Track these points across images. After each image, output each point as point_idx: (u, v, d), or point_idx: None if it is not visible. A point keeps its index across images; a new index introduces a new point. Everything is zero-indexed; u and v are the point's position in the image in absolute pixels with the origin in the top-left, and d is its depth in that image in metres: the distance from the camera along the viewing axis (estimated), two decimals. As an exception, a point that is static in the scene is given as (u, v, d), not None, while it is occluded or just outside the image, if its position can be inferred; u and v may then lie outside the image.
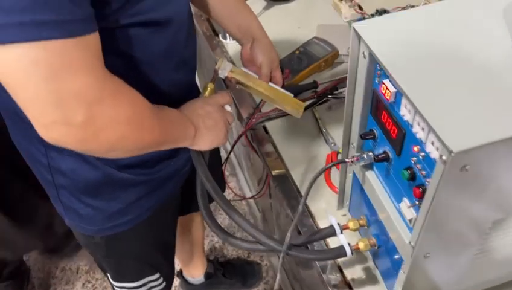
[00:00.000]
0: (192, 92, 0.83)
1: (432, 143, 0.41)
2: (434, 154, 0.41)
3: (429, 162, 0.43)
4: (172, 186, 0.88)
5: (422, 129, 0.42)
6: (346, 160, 0.58)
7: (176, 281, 1.44)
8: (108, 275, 0.98)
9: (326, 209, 0.80)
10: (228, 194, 1.63)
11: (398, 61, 0.44)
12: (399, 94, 0.46)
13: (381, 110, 0.51)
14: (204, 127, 0.72)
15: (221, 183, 1.16)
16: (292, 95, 0.87)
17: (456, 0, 0.51)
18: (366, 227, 0.66)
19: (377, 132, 0.54)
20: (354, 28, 0.48)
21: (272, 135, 0.95)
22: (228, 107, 0.80)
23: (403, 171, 0.48)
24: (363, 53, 0.49)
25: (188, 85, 0.82)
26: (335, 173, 0.85)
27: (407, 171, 0.47)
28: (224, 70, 0.81)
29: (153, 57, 0.67)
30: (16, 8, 0.43)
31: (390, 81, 0.46)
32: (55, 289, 1.60)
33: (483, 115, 0.39)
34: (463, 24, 0.48)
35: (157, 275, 1.01)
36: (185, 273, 1.43)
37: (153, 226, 0.89)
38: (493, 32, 0.46)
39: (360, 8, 1.19)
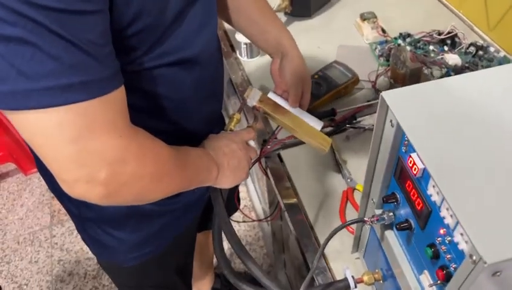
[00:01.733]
0: (219, 121, 0.81)
1: (461, 234, 0.39)
2: (463, 245, 0.39)
3: (456, 251, 0.41)
4: (195, 212, 0.87)
5: (451, 216, 0.40)
6: (365, 219, 0.56)
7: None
8: None
9: (340, 250, 0.78)
10: (239, 215, 1.62)
11: (427, 139, 0.42)
12: (427, 172, 0.43)
13: (405, 179, 0.48)
14: (228, 168, 0.71)
15: (233, 204, 1.15)
16: (319, 128, 0.84)
17: (491, 72, 0.48)
18: (381, 282, 0.64)
19: (399, 196, 0.52)
20: (382, 97, 0.45)
21: (286, 164, 0.93)
22: (251, 142, 0.79)
23: (426, 248, 0.45)
24: (391, 121, 0.47)
25: (215, 116, 0.80)
26: (351, 211, 0.83)
27: (430, 249, 0.45)
28: (253, 99, 0.79)
29: (181, 94, 0.66)
30: (40, 73, 0.42)
31: (418, 156, 0.44)
32: (62, 293, 1.61)
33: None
34: (501, 97, 0.45)
35: None
36: (194, 289, 1.43)
37: (174, 253, 0.89)
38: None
39: (383, 31, 1.15)
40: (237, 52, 1.20)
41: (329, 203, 0.85)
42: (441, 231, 0.43)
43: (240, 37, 1.14)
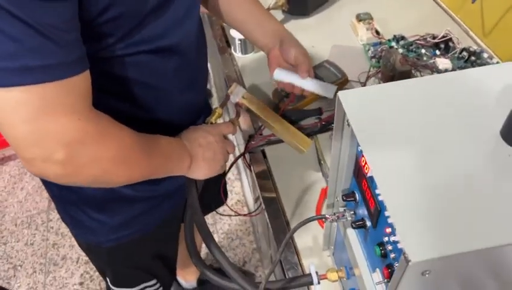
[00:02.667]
0: (203, 112, 0.82)
1: (401, 234, 0.39)
2: (401, 245, 0.40)
3: (397, 250, 0.41)
4: (177, 201, 0.89)
5: (393, 216, 0.41)
6: (327, 216, 0.57)
7: (170, 283, 1.45)
8: (107, 279, 1.00)
9: (312, 247, 0.79)
10: (223, 211, 1.63)
11: (377, 144, 0.42)
12: (376, 172, 0.44)
13: (361, 178, 0.49)
14: (202, 159, 0.72)
15: (219, 197, 1.16)
16: (332, 94, 0.84)
17: (455, 76, 0.48)
18: (345, 279, 0.65)
19: (358, 196, 0.53)
20: (338, 96, 0.46)
21: (269, 160, 0.94)
22: (230, 136, 0.80)
23: (376, 246, 0.46)
24: (347, 121, 0.47)
25: (198, 106, 0.81)
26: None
27: (379, 248, 0.46)
28: (236, 95, 0.81)
29: (157, 81, 0.67)
30: (1, 54, 0.44)
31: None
32: (54, 276, 1.64)
33: (451, 223, 0.37)
34: (454, 108, 0.46)
35: (153, 281, 1.02)
36: (178, 276, 1.45)
37: (155, 239, 0.90)
38: (484, 123, 0.44)
39: (377, 32, 1.15)
40: (232, 47, 1.21)
41: (307, 200, 0.86)
42: (387, 230, 0.44)
43: (234, 33, 1.15)
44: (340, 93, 0.46)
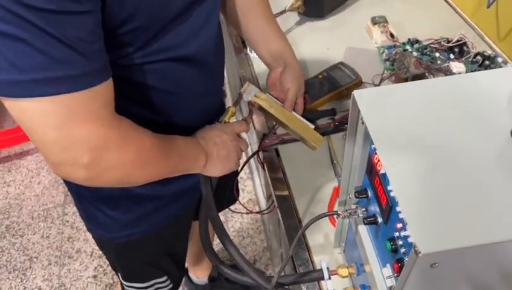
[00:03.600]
0: (219, 113, 0.85)
1: (411, 228, 0.41)
2: (411, 239, 0.41)
3: (407, 244, 0.43)
4: (189, 199, 0.91)
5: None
6: (339, 213, 0.59)
7: (182, 278, 1.48)
8: (119, 274, 1.03)
9: (324, 244, 0.81)
10: (235, 208, 1.65)
11: (390, 141, 0.44)
12: (389, 169, 0.45)
13: (374, 175, 0.51)
14: (217, 157, 0.74)
15: (231, 195, 1.18)
16: (313, 127, 0.87)
17: (468, 78, 0.50)
18: (355, 275, 0.66)
19: (370, 193, 0.54)
20: (353, 95, 0.48)
21: (283, 159, 0.95)
22: (244, 134, 0.82)
23: (387, 241, 0.48)
24: (361, 119, 0.49)
25: (214, 108, 0.84)
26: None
27: (390, 243, 0.47)
28: (249, 94, 0.83)
29: (175, 88, 0.69)
30: (29, 66, 0.47)
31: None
32: (69, 269, 1.68)
33: (460, 218, 0.38)
34: (466, 109, 0.47)
35: (164, 278, 1.05)
36: (190, 273, 1.47)
37: (165, 236, 0.93)
38: (495, 124, 0.45)
39: (392, 35, 1.17)
40: (248, 48, 1.23)
41: (319, 199, 0.88)
42: (398, 225, 0.45)
43: (251, 34, 1.17)
44: (355, 92, 0.48)
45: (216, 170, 0.76)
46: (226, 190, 1.08)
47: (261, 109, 0.84)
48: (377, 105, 0.47)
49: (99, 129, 0.54)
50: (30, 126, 0.51)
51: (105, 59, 0.54)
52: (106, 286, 1.61)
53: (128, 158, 0.59)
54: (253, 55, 1.21)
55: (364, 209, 0.57)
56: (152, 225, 0.87)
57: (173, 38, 0.62)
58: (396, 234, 0.46)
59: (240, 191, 1.80)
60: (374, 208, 0.54)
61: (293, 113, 0.85)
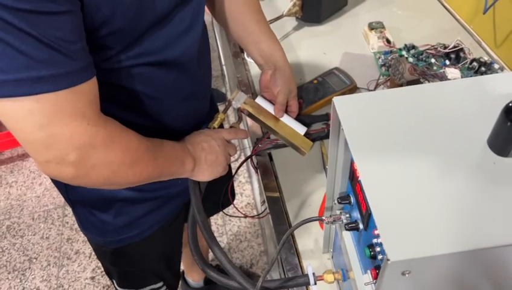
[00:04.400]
0: (208, 117, 0.85)
1: (386, 235, 0.41)
2: (383, 245, 0.41)
3: (383, 251, 0.43)
4: (180, 202, 0.91)
5: (380, 218, 0.42)
6: (324, 218, 0.59)
7: (178, 281, 1.49)
8: (114, 281, 1.03)
9: (314, 250, 0.81)
10: (233, 212, 1.65)
11: (367, 149, 0.44)
12: (367, 176, 0.46)
13: (355, 182, 0.51)
14: (205, 162, 0.74)
15: (226, 197, 1.18)
16: (303, 133, 0.87)
17: (453, 84, 0.50)
18: (341, 281, 0.66)
19: (352, 199, 0.54)
20: (333, 101, 0.48)
21: (276, 164, 0.96)
22: (232, 140, 0.83)
23: (366, 248, 0.48)
24: (341, 126, 0.49)
25: (200, 113, 0.84)
26: (329, 213, 0.85)
27: (369, 249, 0.47)
28: (238, 101, 0.84)
29: (158, 92, 0.69)
30: (11, 67, 0.47)
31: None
32: (67, 270, 1.69)
33: (432, 226, 0.38)
34: (446, 116, 0.47)
35: (160, 284, 1.05)
36: (186, 276, 1.48)
37: (159, 240, 0.93)
38: (472, 132, 0.45)
39: (388, 41, 1.17)
40: (245, 53, 1.23)
41: (310, 203, 0.88)
42: (375, 232, 0.45)
43: (247, 38, 1.17)
44: (336, 99, 0.48)
45: (204, 174, 0.76)
46: (220, 193, 1.09)
47: (250, 115, 0.84)
48: (356, 112, 0.47)
49: (85, 127, 0.54)
50: (16, 126, 0.52)
51: (88, 58, 0.54)
52: (104, 287, 1.62)
53: (115, 157, 0.59)
54: (249, 60, 1.22)
55: (348, 215, 0.57)
56: (144, 230, 0.87)
57: (154, 42, 0.62)
58: (375, 240, 0.46)
59: (238, 195, 1.80)
60: (356, 215, 0.54)
61: (282, 119, 0.85)
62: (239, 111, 0.85)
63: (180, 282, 1.51)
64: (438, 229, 0.38)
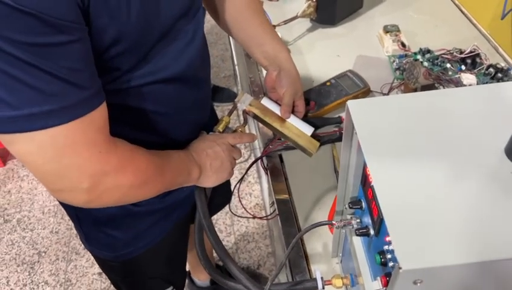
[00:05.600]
0: (207, 127, 0.85)
1: (398, 242, 0.40)
2: (395, 252, 0.41)
3: (394, 259, 0.42)
4: (187, 207, 0.91)
5: (392, 225, 0.42)
6: (334, 222, 0.58)
7: (185, 280, 1.49)
8: None
9: (322, 254, 0.80)
10: (242, 212, 1.65)
11: (380, 154, 0.43)
12: (380, 181, 0.45)
13: (367, 187, 0.50)
14: (210, 169, 0.75)
15: (228, 195, 1.18)
16: (309, 133, 0.87)
17: (469, 90, 0.49)
18: (350, 286, 0.65)
19: (364, 204, 0.54)
20: (347, 105, 0.47)
21: (286, 165, 0.95)
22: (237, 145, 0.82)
23: (376, 254, 0.47)
24: (355, 130, 0.48)
25: (201, 123, 0.83)
26: (339, 217, 0.84)
27: (379, 256, 0.47)
28: (243, 103, 0.83)
29: (167, 107, 0.69)
30: (22, 102, 0.46)
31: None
32: (75, 265, 1.70)
33: (446, 235, 0.37)
34: (462, 123, 0.46)
35: (170, 288, 1.05)
36: (192, 276, 1.48)
37: (167, 245, 0.93)
38: (489, 140, 0.44)
39: (403, 45, 1.15)
40: (255, 53, 1.23)
41: (320, 207, 0.87)
42: (387, 239, 0.44)
43: (261, 39, 1.17)
44: (350, 103, 0.47)
45: (210, 180, 0.76)
46: (223, 190, 1.09)
47: (255, 117, 0.84)
48: (370, 116, 0.47)
49: (97, 156, 0.54)
50: (28, 159, 0.52)
51: (97, 84, 0.53)
52: (110, 284, 1.63)
53: (125, 180, 0.59)
54: (262, 60, 1.21)
55: (358, 220, 0.57)
56: (153, 238, 0.87)
57: (161, 59, 0.62)
58: (386, 247, 0.45)
59: (247, 195, 1.80)
60: (367, 220, 0.53)
61: (289, 120, 0.85)
62: (244, 113, 0.84)
63: (187, 282, 1.51)
64: (451, 239, 0.37)
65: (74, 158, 0.52)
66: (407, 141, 0.45)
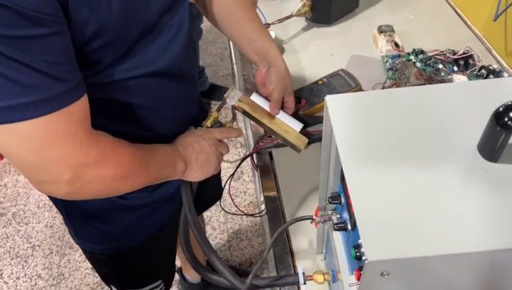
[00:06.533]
0: (196, 122, 0.85)
1: (369, 235, 0.41)
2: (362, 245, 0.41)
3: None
4: (176, 203, 0.91)
5: (365, 218, 0.42)
6: (314, 217, 0.58)
7: (176, 276, 1.49)
8: (112, 287, 1.03)
9: (308, 250, 0.80)
10: (236, 210, 1.65)
11: (354, 149, 0.44)
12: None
13: (345, 182, 0.51)
14: (196, 163, 0.75)
15: (219, 190, 1.18)
16: (298, 130, 0.87)
17: (451, 87, 0.49)
18: (331, 282, 0.66)
19: (343, 199, 0.54)
20: (325, 100, 0.48)
21: (276, 163, 0.95)
22: (224, 140, 0.82)
23: (352, 248, 0.47)
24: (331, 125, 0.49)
25: (189, 118, 0.83)
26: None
27: (354, 250, 0.47)
28: (233, 99, 0.84)
29: (151, 102, 0.69)
30: (2, 95, 0.47)
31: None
32: (68, 259, 1.71)
33: (414, 228, 0.37)
34: (438, 120, 0.46)
35: (159, 282, 1.05)
36: (184, 272, 1.48)
37: (156, 241, 0.93)
38: (464, 137, 0.44)
39: (397, 45, 1.15)
40: (250, 50, 1.23)
41: (308, 204, 0.87)
42: (361, 233, 0.45)
43: (255, 36, 1.17)
44: (328, 98, 0.48)
45: (196, 175, 0.76)
46: (214, 186, 1.09)
47: (244, 113, 0.84)
48: (348, 112, 0.47)
49: (78, 148, 0.54)
50: (10, 151, 0.52)
51: (78, 77, 0.54)
52: (103, 278, 1.63)
53: (107, 173, 0.59)
54: (256, 58, 1.22)
55: (339, 215, 0.57)
56: (142, 233, 0.88)
57: (145, 54, 0.62)
58: (360, 241, 0.46)
59: (242, 193, 1.80)
60: (346, 215, 0.53)
61: (279, 116, 0.85)
62: (233, 109, 0.85)
63: (179, 278, 1.52)
64: (419, 231, 0.37)
65: (55, 150, 0.52)
66: (382, 138, 0.45)
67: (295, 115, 0.90)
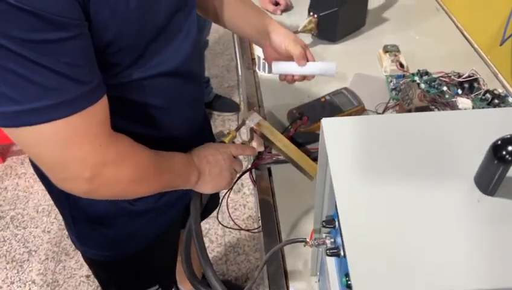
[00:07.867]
0: (203, 126, 0.85)
1: (360, 266, 0.39)
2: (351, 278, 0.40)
3: (357, 282, 0.41)
4: (178, 209, 0.91)
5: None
6: (307, 240, 0.57)
7: (171, 288, 1.47)
8: None
9: (302, 272, 0.79)
10: (233, 224, 1.63)
11: (350, 176, 0.42)
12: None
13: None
14: (209, 175, 0.75)
15: (216, 200, 1.18)
16: (334, 68, 0.87)
17: (452, 116, 0.48)
18: (323, 307, 0.64)
19: (337, 224, 0.53)
20: (321, 123, 0.47)
21: (274, 179, 0.94)
22: (240, 156, 0.83)
23: (343, 276, 0.46)
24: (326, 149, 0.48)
25: (197, 120, 0.84)
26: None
27: (345, 278, 0.46)
28: (252, 121, 0.85)
29: (165, 101, 0.71)
30: (24, 97, 0.48)
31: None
32: (64, 266, 1.70)
33: (404, 265, 0.36)
34: (435, 149, 0.45)
35: (156, 287, 1.04)
36: (179, 285, 1.46)
37: (157, 247, 0.93)
38: (461, 168, 0.43)
39: (401, 65, 1.15)
40: (256, 66, 1.23)
41: (304, 223, 0.86)
42: (352, 261, 0.43)
43: (259, 52, 1.17)
44: (324, 121, 0.47)
45: (207, 187, 0.76)
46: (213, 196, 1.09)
47: (262, 136, 0.86)
48: (344, 136, 0.46)
49: (97, 148, 0.56)
50: (34, 151, 0.54)
51: (98, 78, 0.55)
52: (97, 286, 1.62)
53: (125, 173, 0.61)
54: (260, 72, 1.21)
55: (333, 240, 0.56)
56: (145, 239, 0.88)
57: (160, 54, 0.63)
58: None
59: (241, 207, 1.79)
60: (339, 240, 0.52)
61: (309, 64, 0.84)
62: (252, 131, 0.87)
63: (173, 290, 1.50)
64: (406, 266, 0.36)
65: (76, 150, 0.54)
66: (379, 165, 0.44)
67: (296, 132, 0.90)
